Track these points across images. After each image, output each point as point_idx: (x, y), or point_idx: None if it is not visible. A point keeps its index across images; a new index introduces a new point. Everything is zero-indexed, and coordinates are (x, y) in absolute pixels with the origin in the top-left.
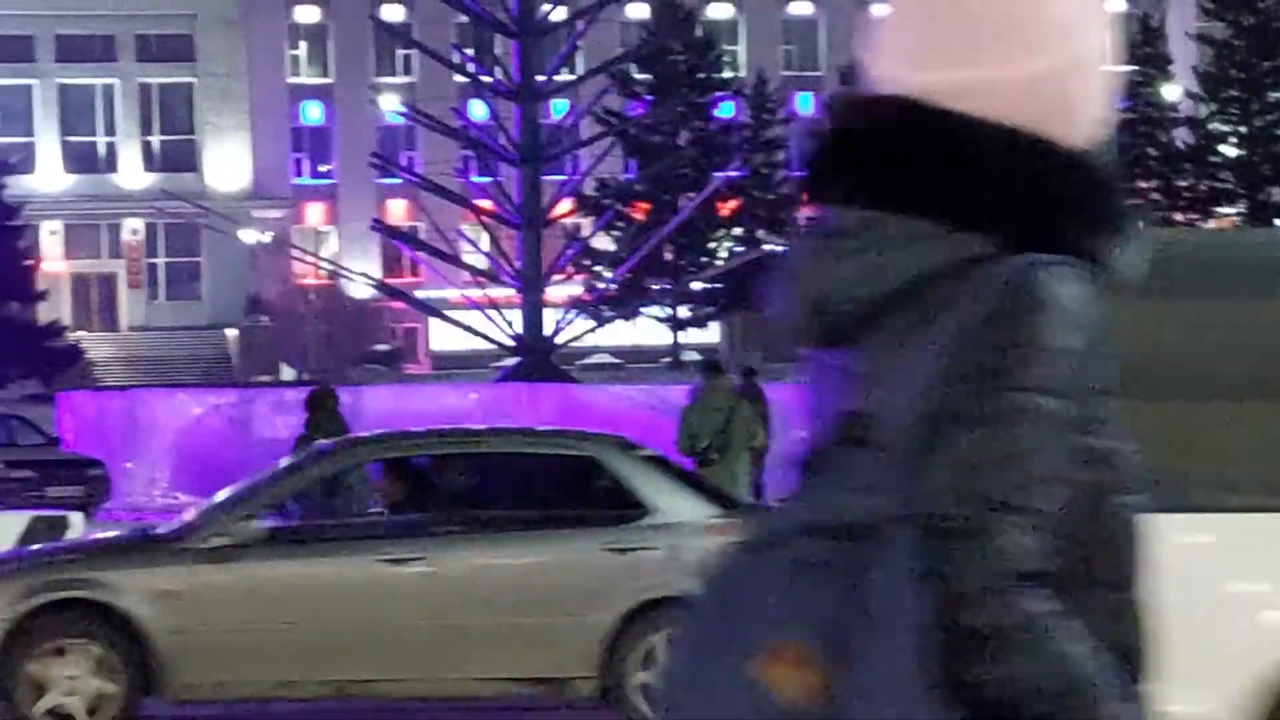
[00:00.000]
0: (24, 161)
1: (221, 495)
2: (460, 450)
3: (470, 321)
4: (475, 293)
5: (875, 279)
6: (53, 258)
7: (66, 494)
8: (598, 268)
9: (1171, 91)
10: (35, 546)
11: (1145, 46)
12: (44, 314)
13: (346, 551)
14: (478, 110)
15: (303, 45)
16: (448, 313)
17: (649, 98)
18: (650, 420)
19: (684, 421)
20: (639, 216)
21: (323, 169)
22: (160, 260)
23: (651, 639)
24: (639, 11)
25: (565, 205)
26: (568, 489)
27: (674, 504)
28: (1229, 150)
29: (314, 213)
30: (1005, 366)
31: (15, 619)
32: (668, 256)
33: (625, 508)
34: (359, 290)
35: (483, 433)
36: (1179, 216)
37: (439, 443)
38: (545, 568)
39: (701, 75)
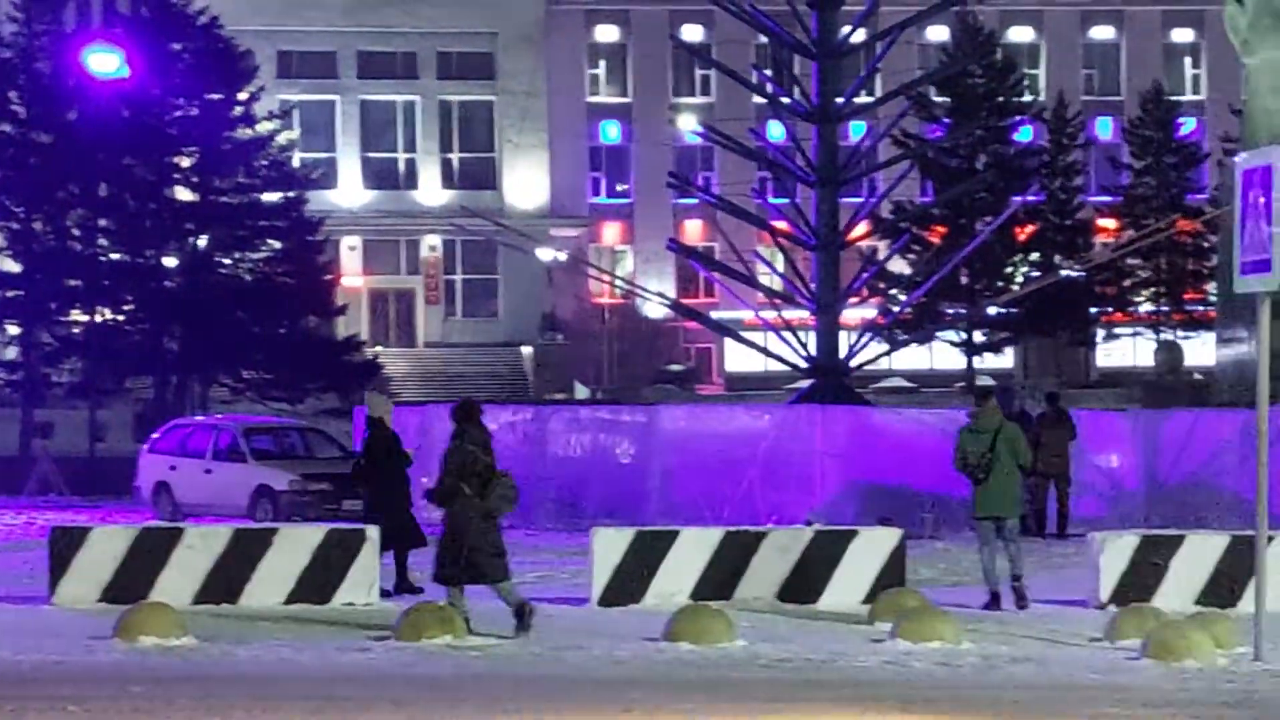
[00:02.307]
0: (325, 177)
1: None
2: None
3: (764, 343)
4: (769, 314)
5: None
6: (351, 273)
7: (362, 507)
8: (893, 291)
9: None
10: None
11: None
12: (342, 329)
13: None
14: (775, 131)
15: (602, 64)
16: (742, 334)
17: (947, 120)
18: (943, 445)
19: (958, 442)
20: (935, 240)
21: (620, 188)
22: (458, 277)
23: None
24: (939, 34)
25: (861, 228)
26: None
27: None
28: None
29: (610, 232)
30: None
31: None
32: (963, 281)
33: None
34: (654, 310)
35: None
36: None
37: None
38: None
39: (1000, 98)
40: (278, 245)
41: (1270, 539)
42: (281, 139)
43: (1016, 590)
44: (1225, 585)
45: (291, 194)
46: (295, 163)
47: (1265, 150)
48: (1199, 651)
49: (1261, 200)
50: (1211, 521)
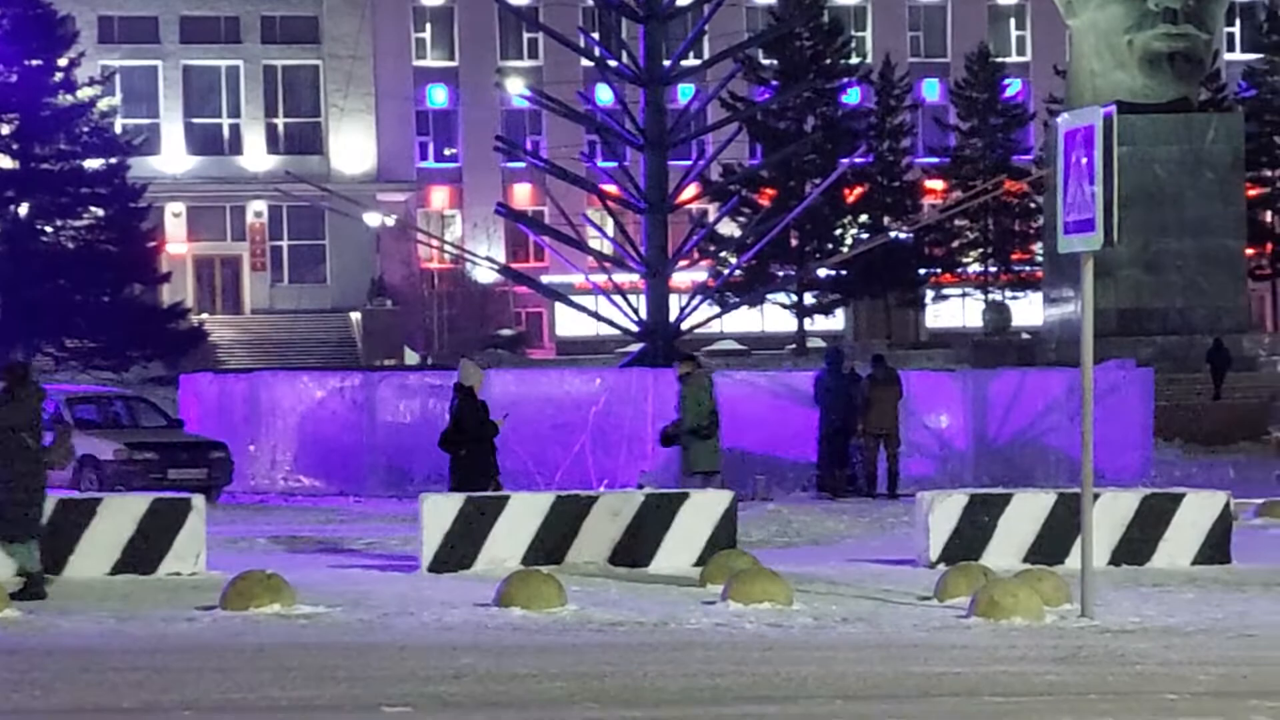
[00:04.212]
0: (148, 143)
1: None
2: None
3: (595, 306)
4: (600, 278)
5: None
6: (176, 240)
7: (189, 476)
8: (723, 254)
9: None
10: None
11: (1272, 34)
12: (167, 296)
13: None
14: (603, 94)
15: (428, 28)
16: (572, 298)
17: (775, 83)
18: (775, 406)
19: (690, 403)
20: (764, 202)
21: (448, 153)
22: (284, 243)
23: None
24: None
25: (691, 191)
26: None
27: None
28: None
29: (439, 196)
30: None
31: None
32: (793, 243)
33: None
34: (483, 274)
35: None
36: None
37: None
38: None
39: (828, 61)
40: (100, 212)
41: (1096, 496)
42: (103, 105)
43: None
44: (1053, 542)
45: (114, 160)
46: (118, 129)
47: (1087, 111)
48: (1027, 609)
49: (1084, 161)
50: (1039, 479)
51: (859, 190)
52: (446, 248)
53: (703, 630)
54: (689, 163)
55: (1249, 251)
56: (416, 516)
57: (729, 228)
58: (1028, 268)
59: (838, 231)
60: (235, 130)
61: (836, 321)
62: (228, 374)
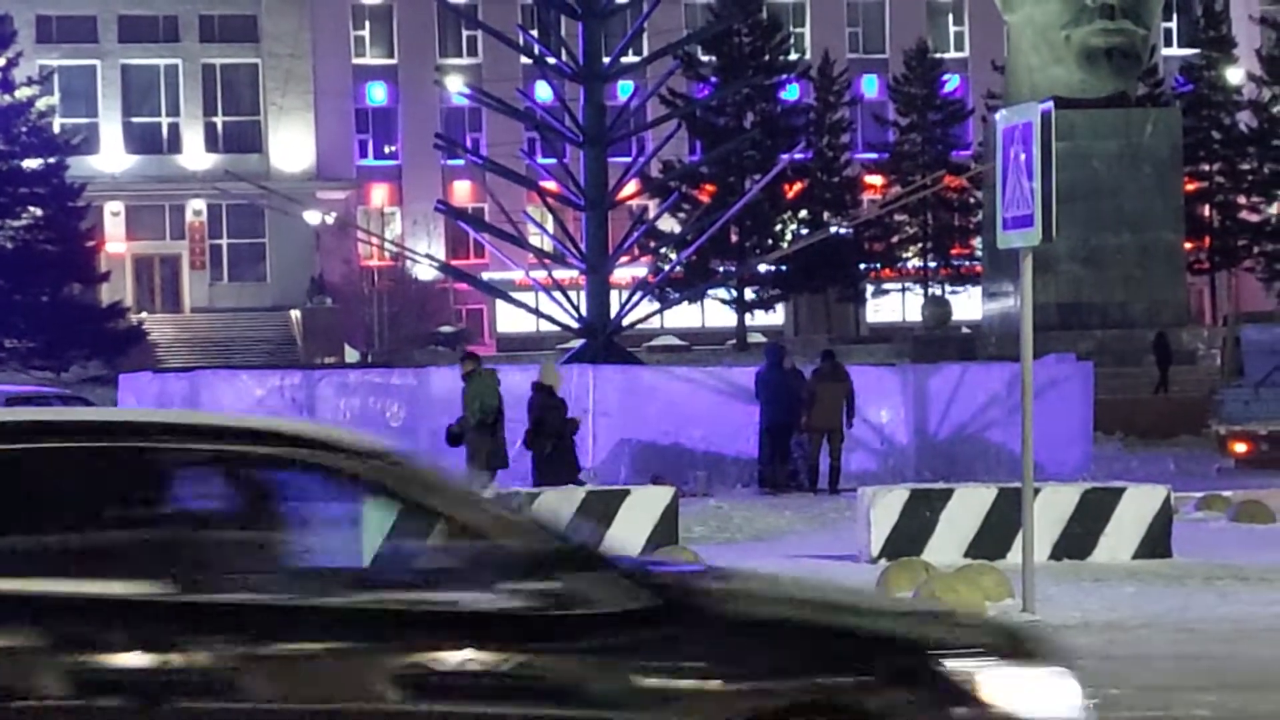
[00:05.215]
0: (87, 142)
1: None
2: None
3: (535, 303)
4: (540, 274)
5: None
6: (115, 239)
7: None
8: (663, 250)
9: (1235, 75)
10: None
11: (1209, 30)
12: (106, 295)
13: None
14: (543, 92)
15: (367, 25)
16: (513, 294)
17: (714, 80)
18: (716, 402)
19: (472, 400)
20: (704, 198)
21: (387, 150)
22: (224, 242)
23: None
24: None
25: (630, 187)
26: None
27: None
28: None
29: (378, 194)
30: None
31: None
32: (733, 239)
33: None
34: (424, 272)
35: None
36: (1241, 199)
37: None
38: None
39: (767, 57)
40: (39, 212)
41: (1036, 491)
42: (41, 104)
43: None
44: (994, 537)
45: (52, 160)
46: (56, 128)
47: (1025, 107)
48: (968, 604)
49: (1022, 157)
50: (980, 474)
51: (798, 186)
52: (386, 245)
53: None
54: (629, 159)
55: (1187, 245)
56: None
57: (669, 224)
58: (967, 262)
59: (778, 227)
60: (174, 129)
61: (777, 317)
62: (168, 373)
